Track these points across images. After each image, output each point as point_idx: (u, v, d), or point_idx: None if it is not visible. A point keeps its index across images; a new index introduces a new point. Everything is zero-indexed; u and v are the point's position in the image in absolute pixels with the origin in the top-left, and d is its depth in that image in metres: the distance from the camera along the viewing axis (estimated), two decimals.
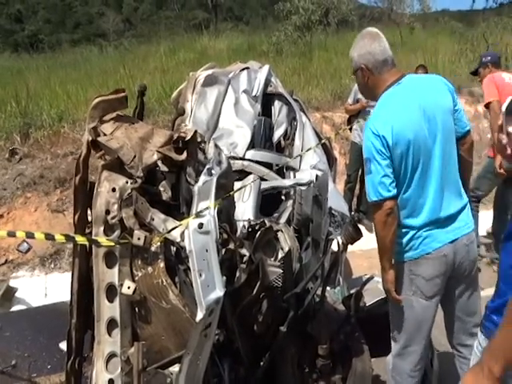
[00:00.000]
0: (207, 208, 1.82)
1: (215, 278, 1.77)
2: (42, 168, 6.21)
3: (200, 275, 1.73)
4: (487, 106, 4.36)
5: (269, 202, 3.28)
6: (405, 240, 2.20)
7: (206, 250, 1.78)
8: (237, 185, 3.02)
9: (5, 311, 4.13)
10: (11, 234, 2.05)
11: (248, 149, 3.68)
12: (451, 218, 2.21)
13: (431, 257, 2.17)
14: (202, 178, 1.91)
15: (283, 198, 3.44)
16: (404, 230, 2.20)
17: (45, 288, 4.65)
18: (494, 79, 4.43)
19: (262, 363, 2.38)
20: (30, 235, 2.01)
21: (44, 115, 7.37)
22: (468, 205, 2.35)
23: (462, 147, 2.34)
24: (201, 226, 1.80)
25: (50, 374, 3.17)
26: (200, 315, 1.71)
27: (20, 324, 3.79)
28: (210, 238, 1.81)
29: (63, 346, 3.37)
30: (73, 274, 2.03)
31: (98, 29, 40.20)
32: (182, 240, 1.80)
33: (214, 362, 2.18)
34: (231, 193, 2.17)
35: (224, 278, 1.85)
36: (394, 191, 2.09)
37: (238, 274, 2.23)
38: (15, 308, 4.26)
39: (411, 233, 2.19)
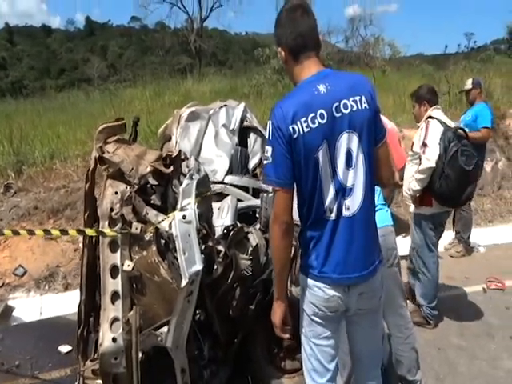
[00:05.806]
0: (189, 203, 2.35)
1: (195, 256, 2.27)
2: (36, 200, 6.58)
3: (184, 253, 2.23)
4: None
5: (246, 220, 3.78)
6: None
7: (189, 235, 2.29)
8: (216, 205, 3.53)
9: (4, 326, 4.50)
10: (31, 233, 2.54)
11: (226, 174, 4.21)
12: None
13: None
14: (185, 181, 2.45)
15: (257, 216, 3.96)
16: None
17: (40, 308, 4.97)
18: None
19: (235, 341, 2.86)
20: (47, 233, 2.50)
21: (36, 153, 7.76)
22: None
23: None
24: (184, 217, 2.31)
25: (50, 371, 3.57)
26: (184, 282, 2.20)
27: (20, 334, 4.19)
28: (192, 226, 2.32)
29: (62, 348, 3.80)
30: (82, 261, 2.53)
31: (82, 74, 41.13)
32: (170, 229, 2.31)
33: (196, 337, 2.67)
34: (208, 193, 2.70)
35: (202, 255, 2.35)
36: None
37: (215, 267, 2.75)
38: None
39: None
